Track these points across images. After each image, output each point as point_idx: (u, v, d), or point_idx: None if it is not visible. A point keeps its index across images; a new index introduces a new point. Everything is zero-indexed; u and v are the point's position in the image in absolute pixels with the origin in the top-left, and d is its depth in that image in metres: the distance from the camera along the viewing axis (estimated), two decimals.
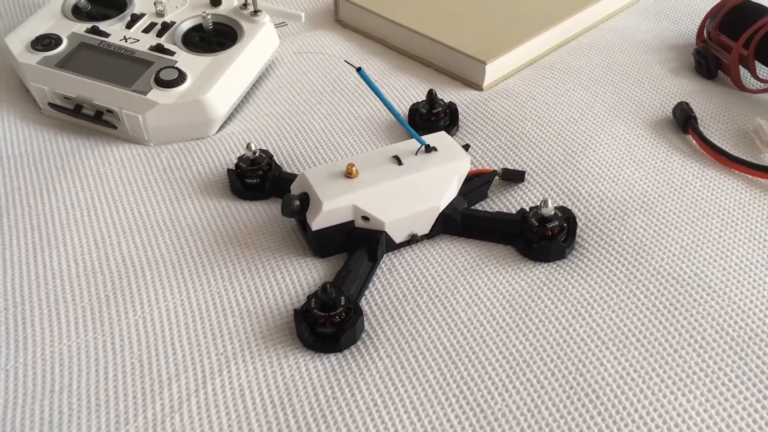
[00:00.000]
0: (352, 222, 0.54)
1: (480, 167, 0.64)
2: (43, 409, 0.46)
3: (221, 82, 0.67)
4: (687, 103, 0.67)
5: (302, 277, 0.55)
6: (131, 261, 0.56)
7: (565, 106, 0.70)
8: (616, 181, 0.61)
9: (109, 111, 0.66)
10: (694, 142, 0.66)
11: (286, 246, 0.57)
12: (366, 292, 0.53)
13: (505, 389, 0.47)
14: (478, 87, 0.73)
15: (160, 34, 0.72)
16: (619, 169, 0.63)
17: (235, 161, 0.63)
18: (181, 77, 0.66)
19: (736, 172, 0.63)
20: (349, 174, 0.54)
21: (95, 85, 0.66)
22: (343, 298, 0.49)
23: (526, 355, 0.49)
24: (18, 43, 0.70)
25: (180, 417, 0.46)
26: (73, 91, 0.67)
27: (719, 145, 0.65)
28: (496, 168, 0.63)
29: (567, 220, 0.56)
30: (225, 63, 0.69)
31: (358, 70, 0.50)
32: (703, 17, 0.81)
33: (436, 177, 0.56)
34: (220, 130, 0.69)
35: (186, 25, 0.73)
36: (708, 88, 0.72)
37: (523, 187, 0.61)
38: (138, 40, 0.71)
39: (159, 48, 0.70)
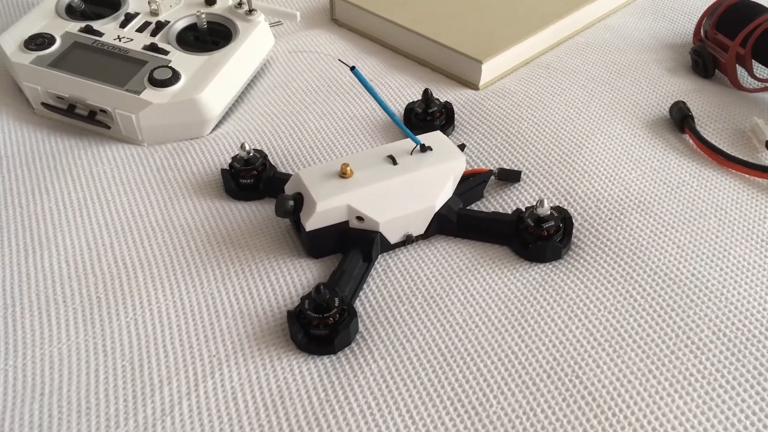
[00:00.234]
0: (346, 222, 0.54)
1: (476, 167, 0.63)
2: (33, 413, 0.46)
3: (215, 82, 0.67)
4: (684, 102, 0.67)
5: (296, 278, 0.54)
6: (123, 262, 0.55)
7: (561, 106, 0.69)
8: (613, 180, 0.61)
9: (103, 111, 0.66)
10: (690, 141, 0.65)
11: (279, 246, 0.57)
12: (360, 293, 0.53)
13: (500, 391, 0.46)
14: (474, 86, 0.73)
15: (154, 34, 0.71)
16: (616, 168, 0.62)
17: (229, 161, 0.62)
18: (175, 77, 0.66)
19: (733, 171, 0.62)
20: (343, 174, 0.54)
21: (88, 84, 0.66)
22: (337, 300, 0.49)
23: (521, 356, 0.48)
24: (11, 42, 0.69)
25: (171, 420, 0.45)
26: (67, 91, 0.66)
27: (716, 144, 0.65)
28: (491, 168, 0.62)
29: (563, 220, 0.56)
30: (219, 62, 0.69)
31: (352, 69, 0.50)
32: (699, 16, 0.81)
33: (432, 177, 0.55)
34: (214, 130, 0.68)
35: (180, 25, 0.73)
36: (705, 87, 0.72)
37: (519, 187, 0.61)
38: (132, 40, 0.70)
39: (153, 47, 0.69)
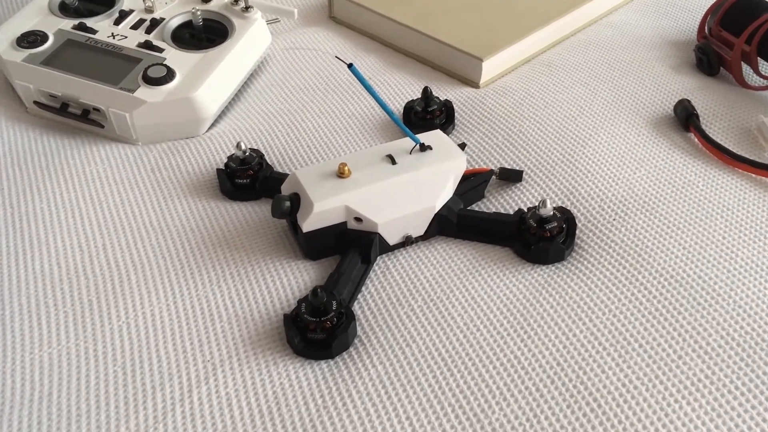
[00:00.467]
0: (344, 223, 0.53)
1: (476, 166, 0.62)
2: (22, 420, 0.44)
3: (211, 80, 0.66)
4: (688, 101, 0.66)
5: (293, 280, 0.53)
6: (116, 264, 0.54)
7: (563, 104, 0.68)
8: (617, 180, 0.60)
9: (96, 109, 0.65)
10: (696, 140, 0.64)
11: (276, 248, 0.55)
12: (359, 296, 0.52)
13: (503, 397, 0.45)
14: (474, 84, 0.72)
15: (148, 31, 0.70)
16: (620, 168, 0.61)
17: (225, 161, 0.61)
18: (170, 74, 0.65)
19: (740, 171, 0.61)
20: (341, 174, 0.53)
21: (82, 82, 0.65)
22: (334, 303, 0.48)
23: (524, 361, 0.47)
24: (3, 40, 0.68)
25: (164, 427, 0.44)
26: (59, 89, 0.65)
27: (722, 143, 0.63)
28: (493, 167, 0.61)
29: (566, 220, 0.55)
30: (215, 60, 0.67)
31: (350, 66, 0.49)
32: (704, 13, 0.80)
33: (432, 177, 0.54)
34: (209, 129, 0.67)
35: (175, 22, 0.72)
36: (709, 85, 0.71)
37: (521, 187, 0.60)
38: (126, 37, 0.69)
39: (147, 45, 0.68)
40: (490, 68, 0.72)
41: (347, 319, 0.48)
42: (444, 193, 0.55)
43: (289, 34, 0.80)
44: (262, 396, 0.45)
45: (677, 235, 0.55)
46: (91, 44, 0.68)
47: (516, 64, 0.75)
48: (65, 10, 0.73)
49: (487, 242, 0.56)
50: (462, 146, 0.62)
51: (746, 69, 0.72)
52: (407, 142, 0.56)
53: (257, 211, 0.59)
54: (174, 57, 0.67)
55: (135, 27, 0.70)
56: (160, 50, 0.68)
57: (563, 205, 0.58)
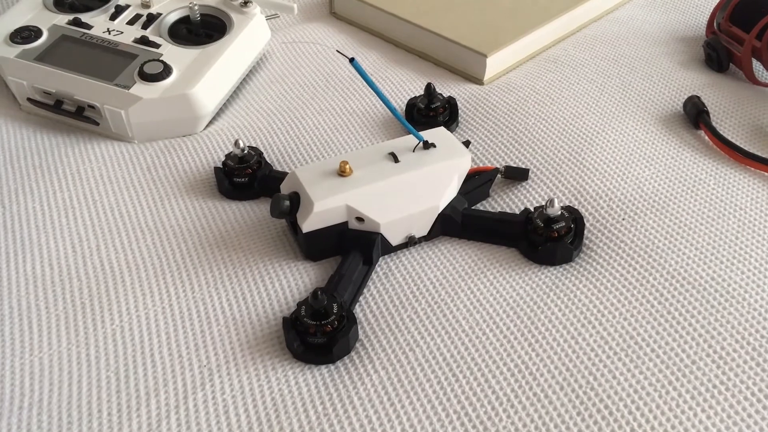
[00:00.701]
0: (345, 223, 0.52)
1: (481, 165, 0.61)
2: (11, 428, 0.43)
3: (209, 76, 0.64)
4: (698, 97, 0.64)
5: (292, 282, 0.51)
6: (110, 265, 0.53)
7: (570, 101, 0.67)
8: (626, 179, 0.58)
9: (91, 106, 0.63)
10: (706, 137, 0.63)
11: (275, 249, 0.54)
12: (360, 299, 0.50)
13: (510, 404, 0.43)
14: (478, 81, 0.71)
15: (145, 26, 0.69)
16: (629, 166, 0.59)
17: (223, 159, 0.60)
18: (167, 71, 0.63)
19: (752, 169, 0.59)
20: (342, 172, 0.52)
21: (76, 79, 0.63)
22: (335, 305, 0.46)
23: (532, 366, 0.45)
24: None
25: None
26: (53, 86, 0.64)
27: (733, 140, 0.62)
28: (498, 166, 0.60)
29: (574, 220, 0.53)
30: (213, 56, 0.66)
31: (351, 60, 0.47)
32: (712, 8, 0.78)
33: (435, 175, 0.53)
34: (207, 126, 0.66)
35: (172, 17, 0.70)
36: (719, 81, 0.69)
37: (527, 186, 0.58)
38: (122, 33, 0.68)
39: (144, 40, 0.67)
40: (494, 64, 0.70)
41: (348, 322, 0.46)
42: (448, 192, 0.53)
43: (288, 30, 0.78)
44: (260, 402, 0.44)
45: (689, 235, 0.53)
46: (86, 40, 0.67)
47: (521, 60, 0.73)
48: (60, 6, 0.71)
49: (492, 243, 0.54)
50: (466, 144, 0.61)
51: (756, 65, 0.71)
52: (410, 140, 0.54)
53: (256, 211, 0.57)
54: (171, 53, 0.66)
55: (131, 22, 0.69)
56: (157, 46, 0.66)
57: (571, 205, 0.56)
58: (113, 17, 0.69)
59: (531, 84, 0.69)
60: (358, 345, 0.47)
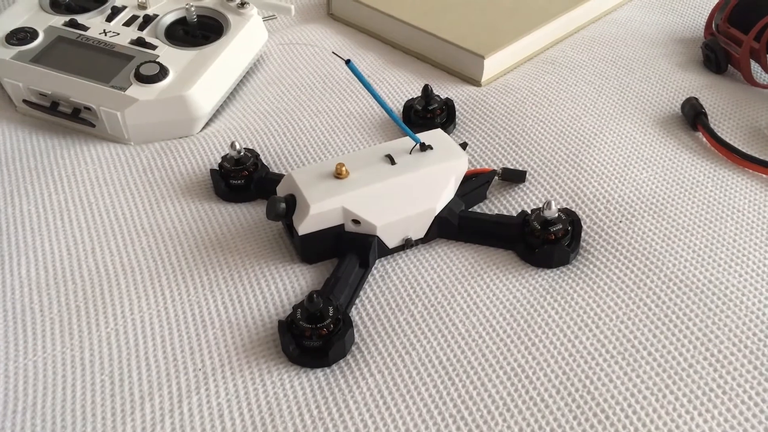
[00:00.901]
0: (341, 226, 0.51)
1: (478, 167, 0.61)
2: (5, 431, 0.43)
3: (205, 78, 0.64)
4: (696, 99, 0.64)
5: (288, 284, 0.51)
6: (105, 268, 0.52)
7: (567, 102, 0.66)
8: (623, 181, 0.58)
9: (87, 108, 0.63)
10: (704, 139, 0.62)
11: (271, 251, 0.54)
12: (356, 302, 0.50)
13: (506, 408, 0.43)
14: (476, 82, 0.70)
15: (141, 28, 0.69)
16: (626, 168, 0.59)
17: (219, 161, 0.60)
18: (163, 72, 0.63)
19: (750, 171, 0.59)
20: (338, 174, 0.51)
21: (72, 80, 0.63)
22: (331, 309, 0.46)
23: (528, 370, 0.45)
24: None
25: None
26: (49, 88, 0.63)
27: (731, 142, 0.62)
28: (495, 167, 0.60)
29: (571, 223, 0.53)
30: (210, 57, 0.66)
31: (347, 62, 0.47)
32: (710, 9, 0.78)
33: (432, 177, 0.53)
34: (204, 128, 0.66)
35: (169, 18, 0.70)
36: (717, 82, 0.69)
37: (524, 188, 0.58)
38: (118, 34, 0.68)
39: (140, 42, 0.67)
40: (492, 66, 0.70)
41: (344, 325, 0.46)
42: (445, 194, 0.53)
43: (285, 31, 0.78)
44: (255, 406, 0.44)
45: (686, 238, 0.53)
46: (83, 41, 0.67)
47: (518, 61, 0.73)
48: (56, 7, 0.71)
49: (489, 245, 0.54)
50: (463, 146, 0.60)
51: (755, 66, 0.70)
52: (407, 142, 0.54)
53: (252, 213, 0.57)
54: (167, 54, 0.66)
55: (128, 24, 0.69)
56: (153, 47, 0.66)
57: (568, 207, 0.56)
58: (110, 18, 0.69)
59: (528, 85, 0.69)
60: (354, 348, 0.47)
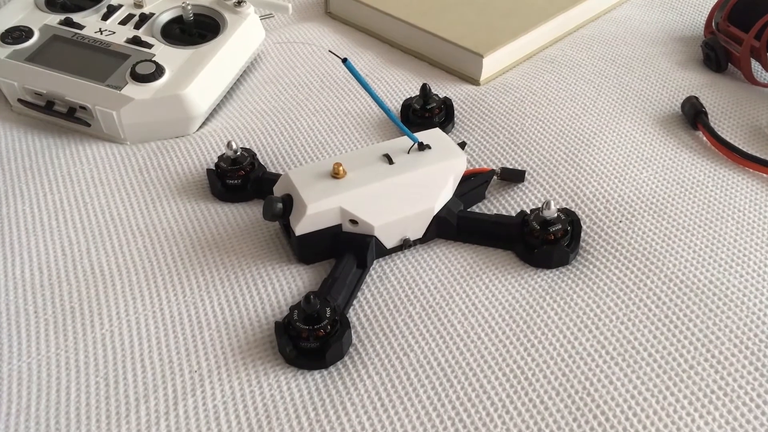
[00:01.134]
0: (339, 226, 0.51)
1: (477, 166, 0.60)
2: None
3: (202, 77, 0.64)
4: (696, 98, 0.64)
5: (285, 285, 0.51)
6: (100, 269, 0.52)
7: (567, 102, 0.66)
8: (623, 180, 0.58)
9: (83, 107, 0.62)
10: (704, 138, 0.62)
11: (268, 251, 0.53)
12: (354, 302, 0.50)
13: (505, 410, 0.43)
14: (474, 81, 0.70)
15: (137, 26, 0.68)
16: (626, 168, 0.59)
17: (216, 160, 0.59)
18: (159, 71, 0.63)
19: (750, 170, 0.59)
20: (335, 174, 0.51)
21: (67, 79, 0.62)
22: (328, 310, 0.46)
23: (528, 371, 0.45)
24: None
25: None
26: (44, 87, 0.63)
27: (731, 141, 0.61)
28: (494, 167, 0.59)
29: (571, 223, 0.52)
30: (206, 56, 0.65)
31: (344, 61, 0.46)
32: (710, 7, 0.78)
33: (430, 177, 0.52)
34: (200, 127, 0.65)
35: (165, 17, 0.70)
36: (717, 81, 0.69)
37: (524, 188, 0.58)
38: (114, 33, 0.67)
39: (136, 40, 0.66)
40: (490, 65, 0.70)
41: (342, 326, 0.46)
42: (443, 194, 0.53)
43: (283, 30, 0.77)
44: (251, 408, 0.43)
45: (687, 238, 0.53)
46: (78, 40, 0.66)
47: (517, 60, 0.72)
48: (52, 5, 0.70)
49: (488, 245, 0.54)
50: (462, 145, 0.60)
51: (755, 65, 0.70)
52: (405, 141, 0.53)
53: (248, 213, 0.57)
54: (163, 53, 0.65)
55: (123, 22, 0.68)
56: (149, 46, 0.66)
57: (567, 207, 0.56)
58: (105, 17, 0.69)
59: (527, 84, 0.69)
60: (351, 350, 0.47)
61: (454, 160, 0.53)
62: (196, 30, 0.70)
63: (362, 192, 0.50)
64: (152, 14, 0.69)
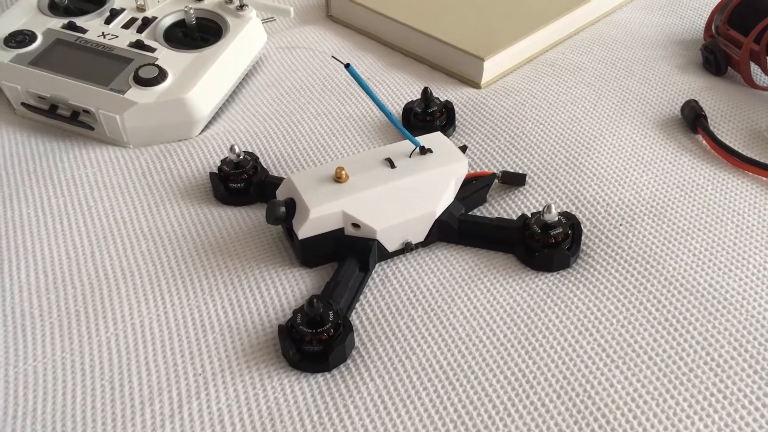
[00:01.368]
0: (341, 230, 0.51)
1: (478, 170, 0.60)
2: None
3: (204, 80, 0.64)
4: (696, 101, 0.64)
5: (288, 289, 0.51)
6: (105, 273, 0.52)
7: (567, 105, 0.66)
8: (623, 184, 0.58)
9: (86, 111, 0.63)
10: (704, 142, 0.62)
11: (271, 255, 0.54)
12: (356, 306, 0.50)
13: (506, 413, 0.43)
14: (475, 85, 0.70)
15: (140, 30, 0.68)
16: (626, 171, 0.59)
17: (219, 164, 0.59)
18: (162, 75, 0.63)
19: (750, 174, 0.59)
20: (338, 178, 0.51)
21: (71, 83, 0.63)
22: (331, 313, 0.46)
23: (529, 374, 0.45)
24: None
25: None
26: (48, 91, 0.63)
27: (731, 145, 0.62)
28: (495, 171, 0.60)
29: (571, 226, 0.53)
30: (209, 60, 0.66)
31: (347, 66, 0.47)
32: (710, 11, 0.78)
33: (432, 180, 0.52)
34: (203, 131, 0.65)
35: (168, 21, 0.70)
36: (717, 85, 0.69)
37: (524, 191, 0.58)
38: (117, 36, 0.67)
39: (139, 44, 0.66)
40: (491, 68, 0.70)
41: (345, 330, 0.46)
42: (445, 197, 0.53)
43: (285, 34, 0.78)
44: (255, 411, 0.44)
45: (686, 241, 0.53)
46: (81, 44, 0.66)
47: (518, 63, 0.73)
48: (55, 9, 0.71)
49: (489, 249, 0.54)
50: (463, 149, 0.60)
51: (755, 68, 0.70)
52: (407, 145, 0.54)
53: (251, 217, 0.57)
54: (166, 57, 0.65)
55: (126, 26, 0.69)
56: (152, 50, 0.66)
57: (568, 210, 0.56)
58: (108, 21, 0.69)
59: (528, 88, 0.69)
60: (354, 353, 0.47)
61: (456, 164, 0.54)
62: (198, 34, 0.70)
63: (364, 196, 0.51)
64: (155, 18, 0.69)
